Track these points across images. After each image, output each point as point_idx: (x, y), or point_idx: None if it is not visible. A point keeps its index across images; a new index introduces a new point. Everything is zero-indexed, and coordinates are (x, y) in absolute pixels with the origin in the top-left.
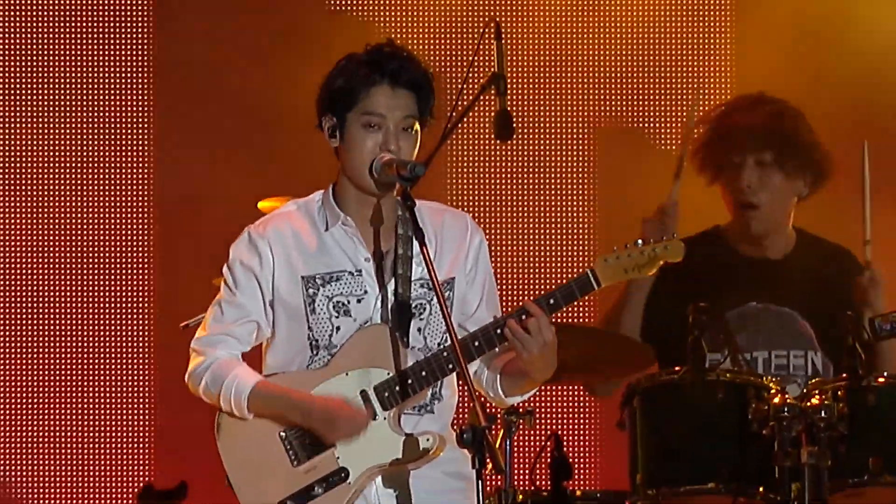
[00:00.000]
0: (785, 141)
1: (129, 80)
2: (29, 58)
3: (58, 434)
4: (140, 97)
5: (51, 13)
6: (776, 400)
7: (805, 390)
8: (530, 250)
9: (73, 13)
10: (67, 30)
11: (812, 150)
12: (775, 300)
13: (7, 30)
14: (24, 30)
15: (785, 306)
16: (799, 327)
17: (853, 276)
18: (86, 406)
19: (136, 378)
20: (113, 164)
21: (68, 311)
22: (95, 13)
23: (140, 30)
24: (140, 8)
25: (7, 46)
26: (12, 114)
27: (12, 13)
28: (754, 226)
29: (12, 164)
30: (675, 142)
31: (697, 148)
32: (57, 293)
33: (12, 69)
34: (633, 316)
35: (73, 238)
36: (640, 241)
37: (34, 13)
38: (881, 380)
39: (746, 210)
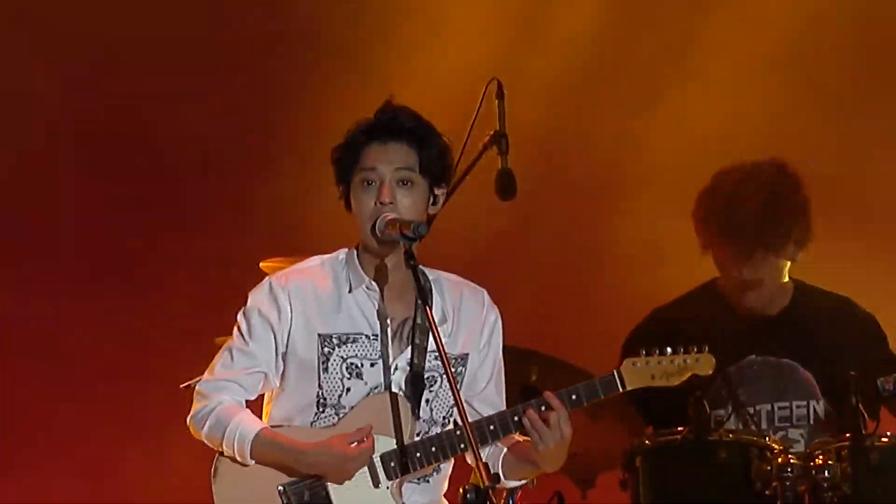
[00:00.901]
0: (786, 232)
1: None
2: None
3: (61, 478)
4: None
5: None
6: (779, 459)
7: (808, 450)
8: (536, 308)
9: None
10: None
11: (809, 224)
12: (774, 353)
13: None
14: None
15: (784, 358)
16: (800, 376)
17: (853, 323)
18: (82, 455)
19: (135, 427)
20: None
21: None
22: None
23: None
24: None
25: None
26: None
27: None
28: (752, 298)
29: None
30: None
31: (703, 216)
32: (59, 335)
33: None
34: None
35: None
36: (669, 349)
37: None
38: (885, 440)
39: (747, 287)
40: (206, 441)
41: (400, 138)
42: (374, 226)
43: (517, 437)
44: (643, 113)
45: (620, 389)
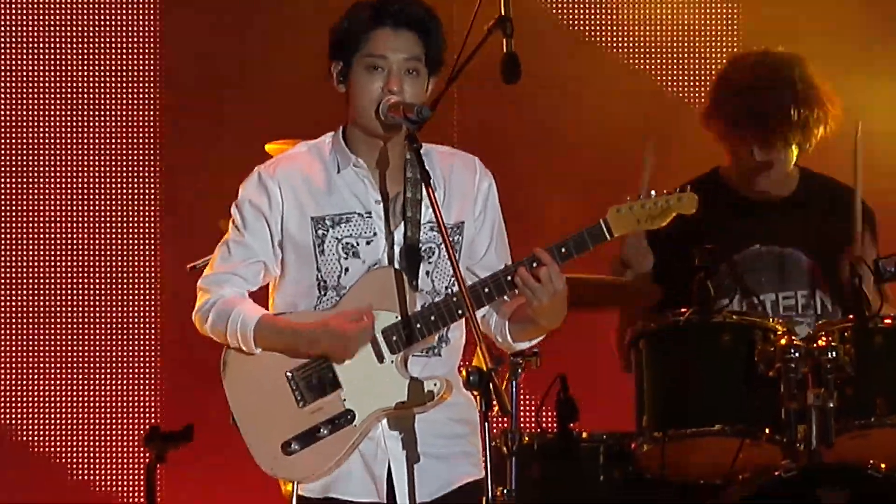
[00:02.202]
0: (808, 125)
1: (134, 21)
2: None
3: (64, 377)
4: (146, 37)
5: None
6: (783, 342)
7: (811, 332)
8: (539, 194)
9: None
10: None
11: (827, 118)
12: (779, 241)
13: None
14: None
15: (789, 246)
16: (804, 267)
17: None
18: (91, 349)
19: (141, 319)
20: (118, 104)
21: (76, 252)
22: None
23: None
24: None
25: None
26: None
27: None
28: (761, 182)
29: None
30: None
31: (721, 100)
32: (64, 235)
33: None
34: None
35: (82, 181)
36: (652, 192)
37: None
38: (888, 321)
39: (762, 168)
40: (211, 335)
41: (410, 26)
42: (377, 109)
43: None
44: None
45: (608, 237)
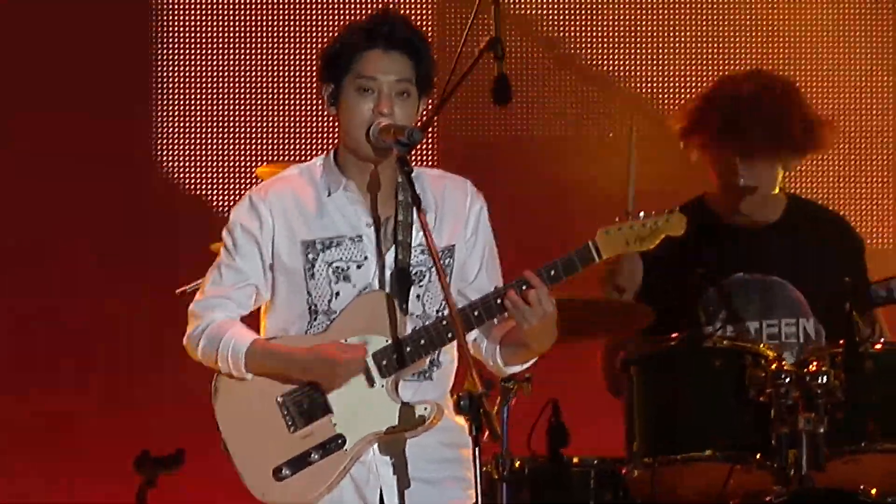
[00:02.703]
0: (789, 142)
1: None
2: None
3: (54, 397)
4: (140, 65)
5: None
6: (773, 367)
7: (802, 357)
8: (529, 217)
9: None
10: None
11: (811, 131)
12: (763, 269)
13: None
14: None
15: (773, 274)
16: (789, 294)
17: (845, 240)
18: (81, 370)
19: (132, 344)
20: (111, 132)
21: (65, 273)
22: None
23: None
24: None
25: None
26: None
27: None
28: (745, 205)
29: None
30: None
31: (702, 116)
32: (55, 254)
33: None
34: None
35: (74, 203)
36: (641, 213)
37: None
38: (878, 346)
39: (744, 192)
40: (202, 360)
41: (400, 49)
42: (367, 132)
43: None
44: None
45: (597, 259)
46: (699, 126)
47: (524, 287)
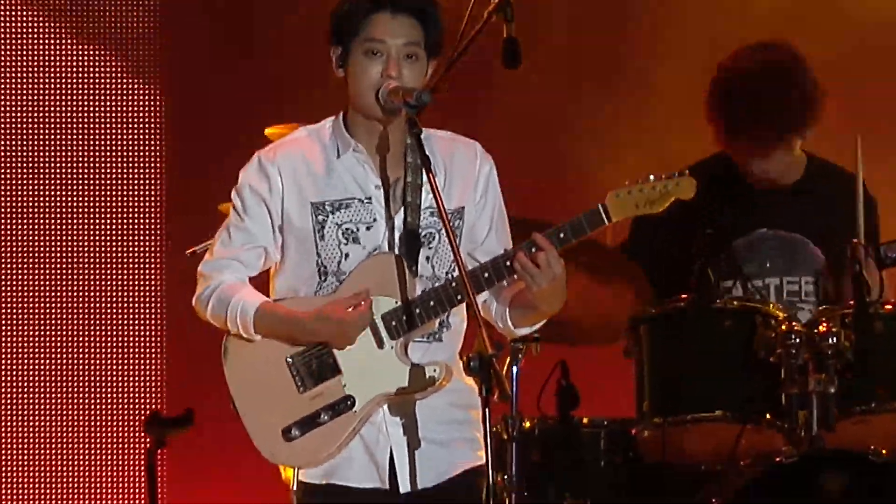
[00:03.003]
0: (805, 121)
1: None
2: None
3: (65, 361)
4: (147, 19)
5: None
6: (783, 327)
7: (812, 317)
8: (539, 180)
9: None
10: None
11: (820, 107)
12: (785, 226)
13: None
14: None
15: (795, 232)
16: (809, 252)
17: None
18: (93, 334)
19: (143, 305)
20: (122, 85)
21: (78, 238)
22: None
23: None
24: None
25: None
26: None
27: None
28: (766, 168)
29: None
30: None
31: (725, 100)
32: (66, 222)
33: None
34: None
35: (82, 167)
36: (651, 176)
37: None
38: (888, 307)
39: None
40: (211, 321)
41: (409, 11)
42: (377, 94)
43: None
44: None
45: (606, 222)
46: (717, 115)
47: (533, 249)
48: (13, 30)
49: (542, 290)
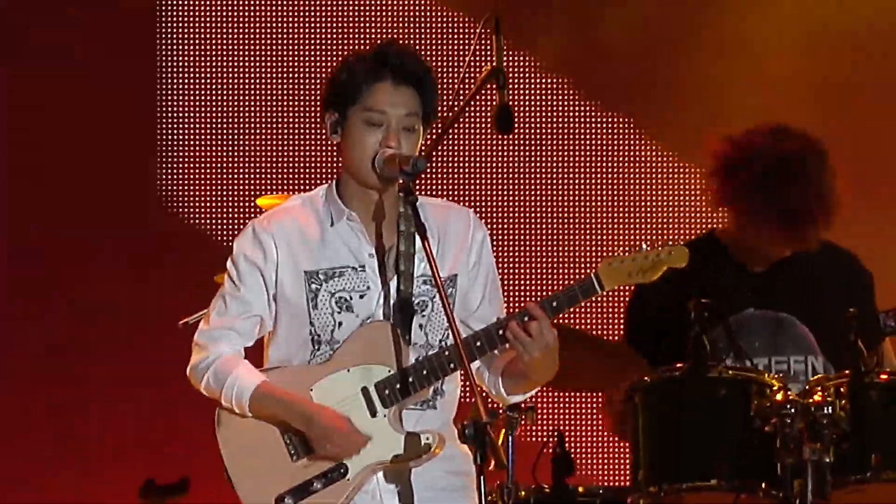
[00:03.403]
0: (818, 226)
1: (131, 81)
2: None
3: (59, 429)
4: (142, 98)
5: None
6: (779, 396)
7: (807, 387)
8: (532, 246)
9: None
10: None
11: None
12: (773, 305)
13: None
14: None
15: (784, 311)
16: (798, 332)
17: (855, 278)
18: (87, 401)
19: (136, 373)
20: (113, 158)
21: (70, 304)
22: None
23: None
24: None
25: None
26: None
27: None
28: (762, 252)
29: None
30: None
31: (750, 174)
32: (58, 284)
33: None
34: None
35: (76, 227)
36: (644, 246)
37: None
38: (884, 377)
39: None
40: (204, 392)
41: (409, 83)
42: (373, 162)
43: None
44: None
45: (599, 290)
46: (736, 200)
47: (526, 318)
48: None
49: (533, 359)
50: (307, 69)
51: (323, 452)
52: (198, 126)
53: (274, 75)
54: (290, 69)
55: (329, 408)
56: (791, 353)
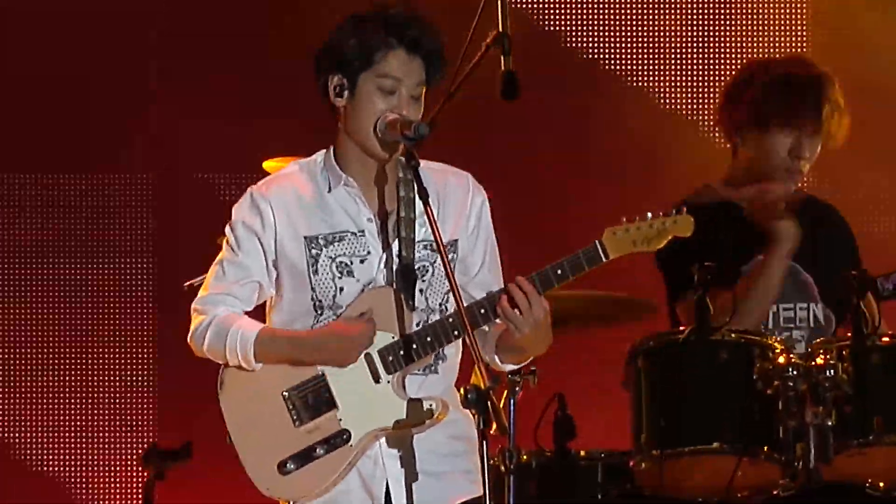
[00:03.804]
0: (835, 115)
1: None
2: None
3: (62, 395)
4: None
5: None
6: (781, 360)
7: (809, 350)
8: (535, 214)
9: None
10: None
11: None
12: None
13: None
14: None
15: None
16: (802, 279)
17: (842, 229)
18: (89, 366)
19: (139, 338)
20: (114, 123)
21: (72, 270)
22: None
23: None
24: None
25: None
26: None
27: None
28: (785, 191)
29: None
30: (694, 108)
31: (754, 99)
32: (61, 249)
33: None
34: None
35: (75, 197)
36: (648, 214)
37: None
38: (886, 339)
39: (792, 176)
40: (208, 355)
41: (423, 54)
42: (374, 126)
43: None
44: None
45: (603, 259)
46: (743, 97)
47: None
48: None
49: (525, 335)
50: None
51: (349, 359)
52: (203, 88)
53: (282, 34)
54: (301, 31)
55: (330, 325)
56: (796, 300)
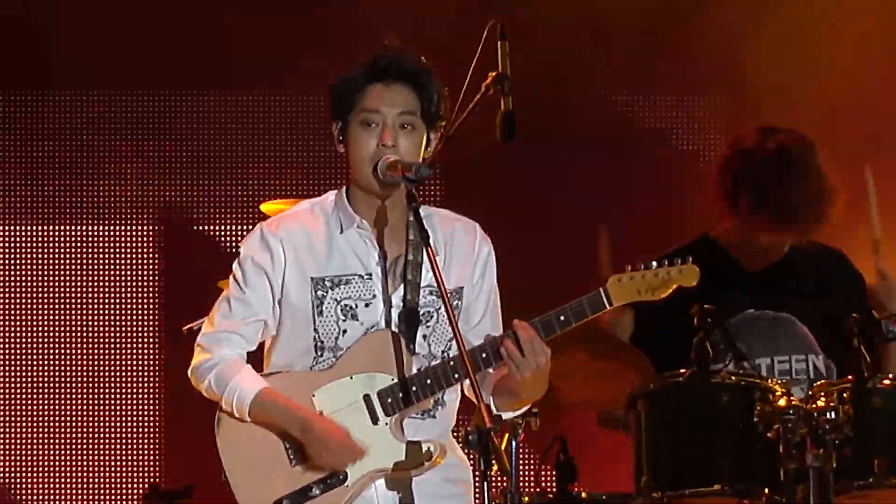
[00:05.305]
0: (819, 217)
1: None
2: None
3: (65, 435)
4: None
5: None
6: (781, 402)
7: (810, 392)
8: (532, 255)
9: None
10: None
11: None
12: (772, 305)
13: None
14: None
15: (782, 311)
16: (797, 331)
17: (847, 277)
18: (93, 407)
19: (143, 379)
20: (118, 170)
21: (77, 313)
22: None
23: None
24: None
25: None
26: None
27: None
28: (757, 251)
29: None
30: (690, 143)
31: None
32: (65, 295)
33: None
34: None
35: (80, 243)
36: (654, 262)
37: None
38: (886, 382)
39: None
40: (205, 395)
41: (403, 80)
42: (375, 168)
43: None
44: None
45: (607, 306)
46: (737, 198)
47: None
48: None
49: (524, 378)
50: (313, 74)
51: (320, 461)
52: (203, 131)
53: (279, 80)
54: (296, 73)
55: (327, 418)
56: (792, 353)
